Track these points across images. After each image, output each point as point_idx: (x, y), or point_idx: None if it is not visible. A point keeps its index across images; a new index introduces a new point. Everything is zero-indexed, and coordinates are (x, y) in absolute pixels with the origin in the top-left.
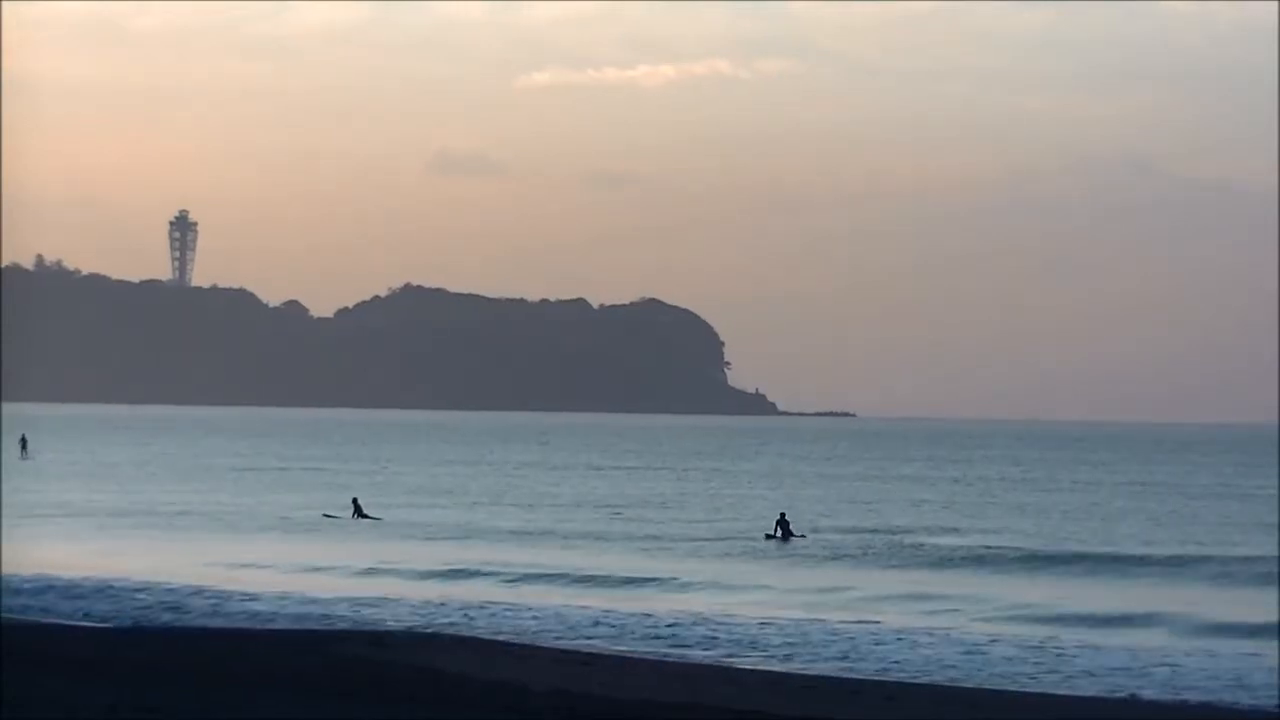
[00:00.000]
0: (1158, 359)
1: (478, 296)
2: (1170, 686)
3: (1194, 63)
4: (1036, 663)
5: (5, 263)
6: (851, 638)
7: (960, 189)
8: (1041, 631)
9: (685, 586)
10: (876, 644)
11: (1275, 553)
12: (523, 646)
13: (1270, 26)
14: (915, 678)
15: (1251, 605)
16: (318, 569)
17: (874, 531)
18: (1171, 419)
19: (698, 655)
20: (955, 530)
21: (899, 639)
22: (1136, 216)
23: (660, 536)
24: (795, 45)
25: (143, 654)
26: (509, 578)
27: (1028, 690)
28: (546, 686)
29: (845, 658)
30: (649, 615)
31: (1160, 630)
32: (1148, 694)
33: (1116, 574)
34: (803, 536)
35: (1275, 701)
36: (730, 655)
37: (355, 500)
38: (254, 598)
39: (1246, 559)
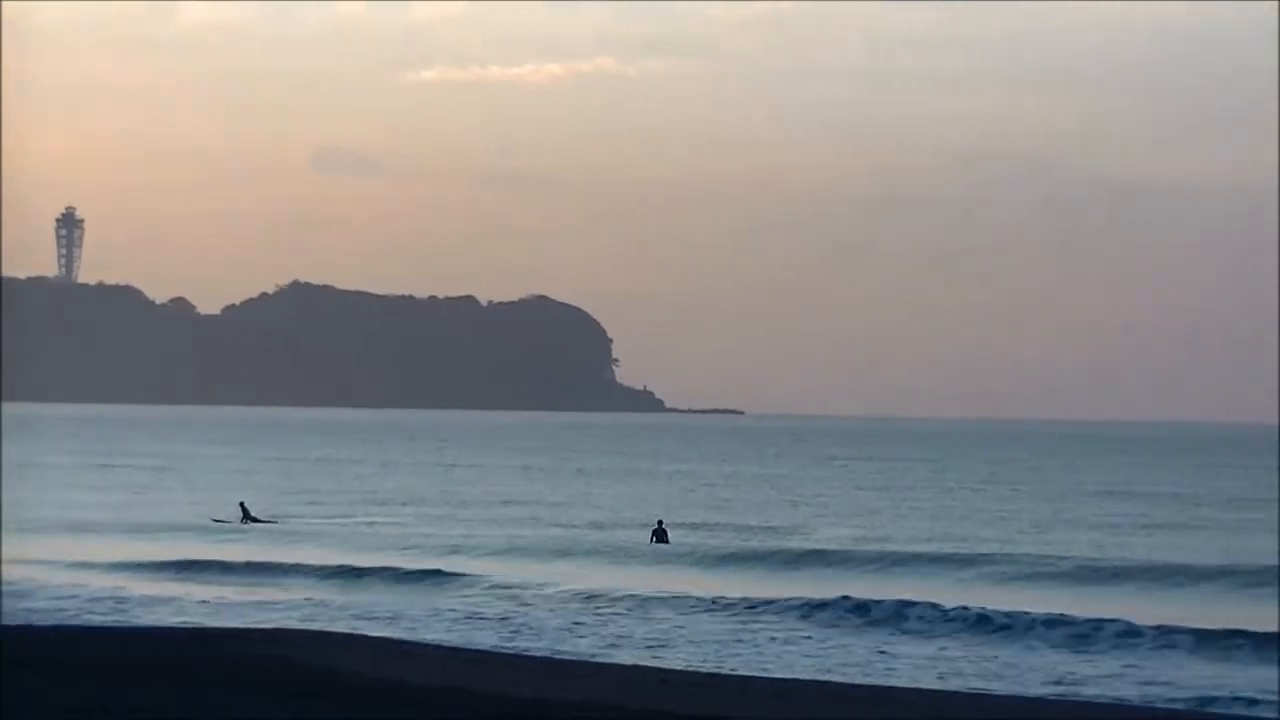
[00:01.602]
0: (1046, 356)
1: (366, 294)
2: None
3: (1075, 61)
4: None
5: None
6: (741, 640)
7: (845, 187)
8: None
9: (568, 587)
10: (752, 643)
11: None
12: (414, 644)
13: (1146, 24)
14: (797, 674)
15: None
16: (203, 570)
17: (747, 528)
18: (1064, 417)
19: (585, 653)
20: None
21: (773, 639)
22: (1021, 214)
23: (549, 538)
24: (681, 43)
25: (40, 652)
26: (396, 578)
27: (913, 687)
28: (439, 683)
29: (737, 656)
30: (531, 614)
31: (1020, 629)
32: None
33: (958, 572)
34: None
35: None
36: (610, 648)
37: (243, 504)
38: (142, 602)
39: (1044, 558)
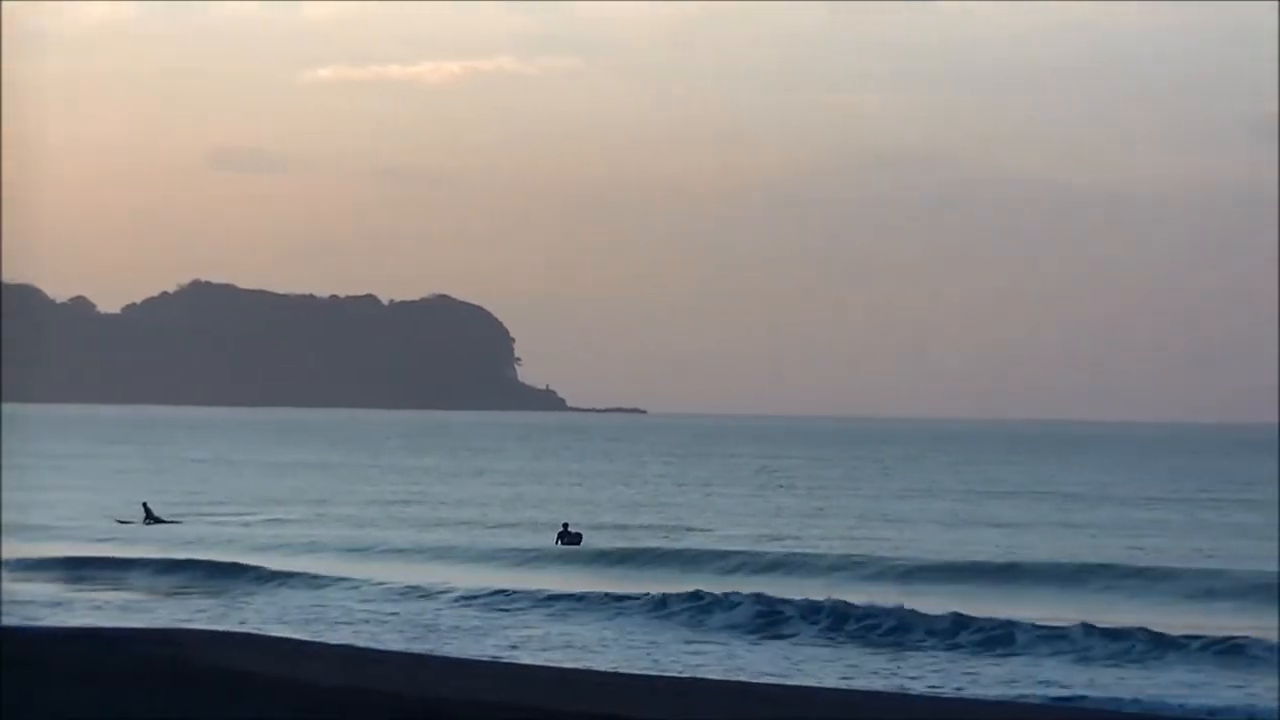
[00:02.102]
0: (955, 353)
1: (267, 293)
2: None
3: (980, 60)
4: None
5: None
6: (642, 639)
7: (746, 186)
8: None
9: (472, 587)
10: (655, 643)
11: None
12: (312, 644)
13: (1047, 24)
14: (700, 674)
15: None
16: (103, 569)
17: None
18: (971, 416)
19: (487, 653)
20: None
21: (677, 638)
22: (928, 212)
23: (451, 538)
24: (581, 42)
25: None
26: (297, 578)
27: (815, 686)
28: (338, 683)
29: (640, 655)
30: (434, 614)
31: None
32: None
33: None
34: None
35: None
36: (512, 648)
37: (145, 505)
38: (40, 602)
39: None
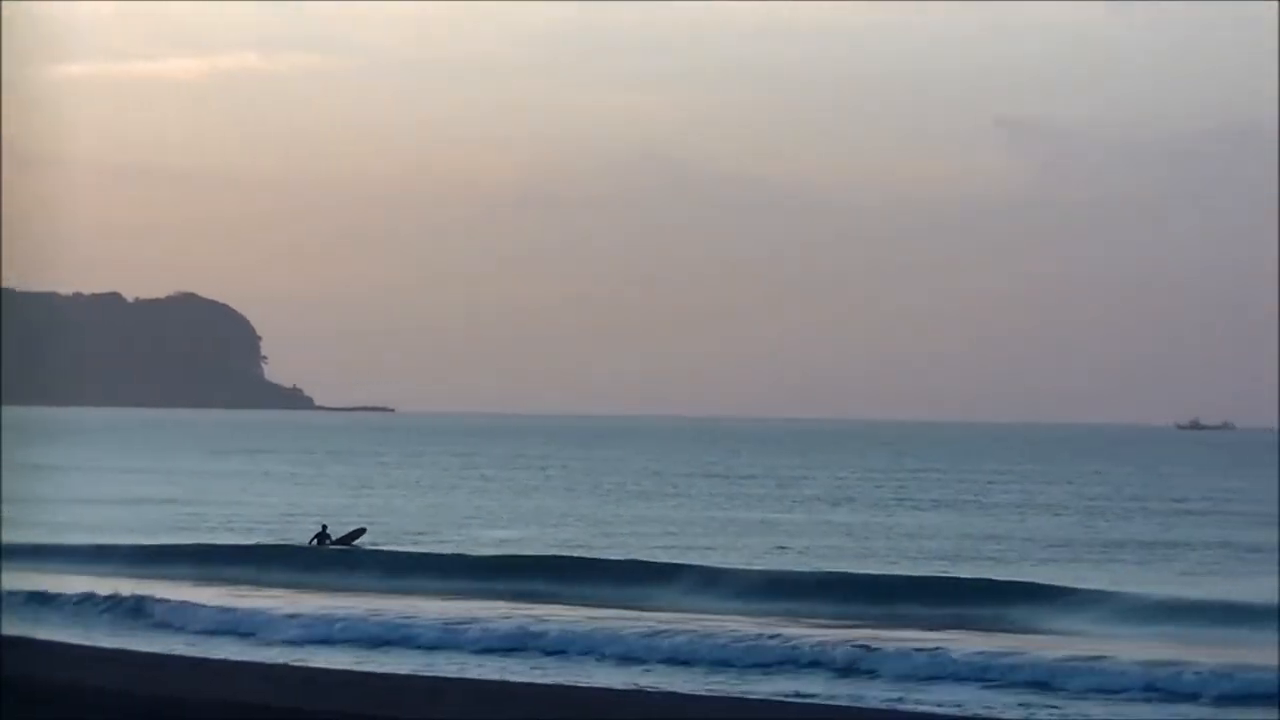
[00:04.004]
0: (709, 352)
1: (8, 290)
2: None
3: (720, 61)
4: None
5: None
6: (392, 640)
7: (497, 185)
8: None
9: (221, 588)
10: (404, 643)
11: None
12: (84, 648)
13: (791, 26)
14: (445, 673)
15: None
16: None
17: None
18: (735, 414)
19: (232, 654)
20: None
21: (427, 640)
22: (665, 212)
23: (200, 539)
24: (328, 40)
25: None
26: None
27: (556, 684)
28: (114, 687)
29: (387, 655)
30: (180, 614)
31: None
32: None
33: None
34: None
35: None
36: (261, 647)
37: None
38: None
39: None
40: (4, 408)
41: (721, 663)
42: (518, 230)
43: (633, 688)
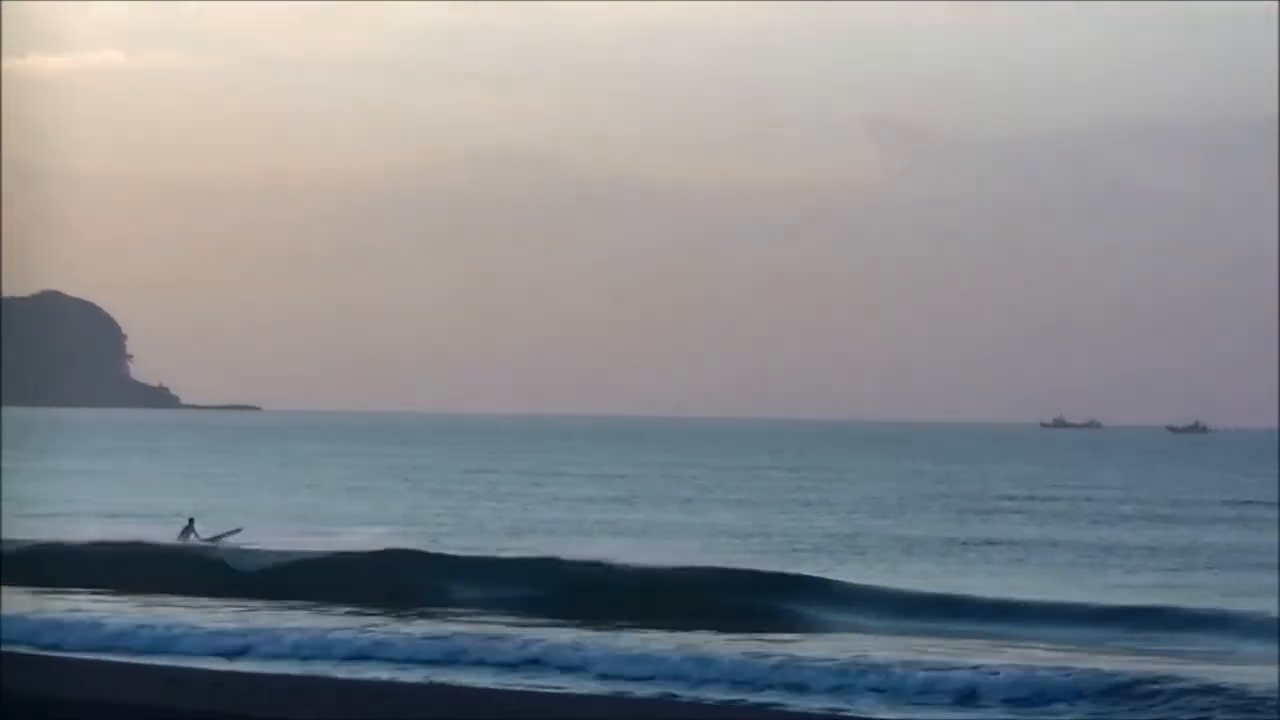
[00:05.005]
0: (564, 352)
1: None
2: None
3: (586, 61)
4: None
5: None
6: (254, 639)
7: (360, 183)
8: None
9: (90, 587)
10: (272, 642)
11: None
12: None
13: (665, 27)
14: (314, 671)
15: None
16: None
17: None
18: (578, 411)
19: (83, 655)
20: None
21: (292, 638)
22: (526, 211)
23: (73, 537)
24: (190, 37)
25: None
26: None
27: (454, 684)
28: None
29: (251, 654)
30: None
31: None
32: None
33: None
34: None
35: None
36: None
37: None
38: None
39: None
40: None
41: (527, 662)
42: (383, 228)
43: (503, 688)
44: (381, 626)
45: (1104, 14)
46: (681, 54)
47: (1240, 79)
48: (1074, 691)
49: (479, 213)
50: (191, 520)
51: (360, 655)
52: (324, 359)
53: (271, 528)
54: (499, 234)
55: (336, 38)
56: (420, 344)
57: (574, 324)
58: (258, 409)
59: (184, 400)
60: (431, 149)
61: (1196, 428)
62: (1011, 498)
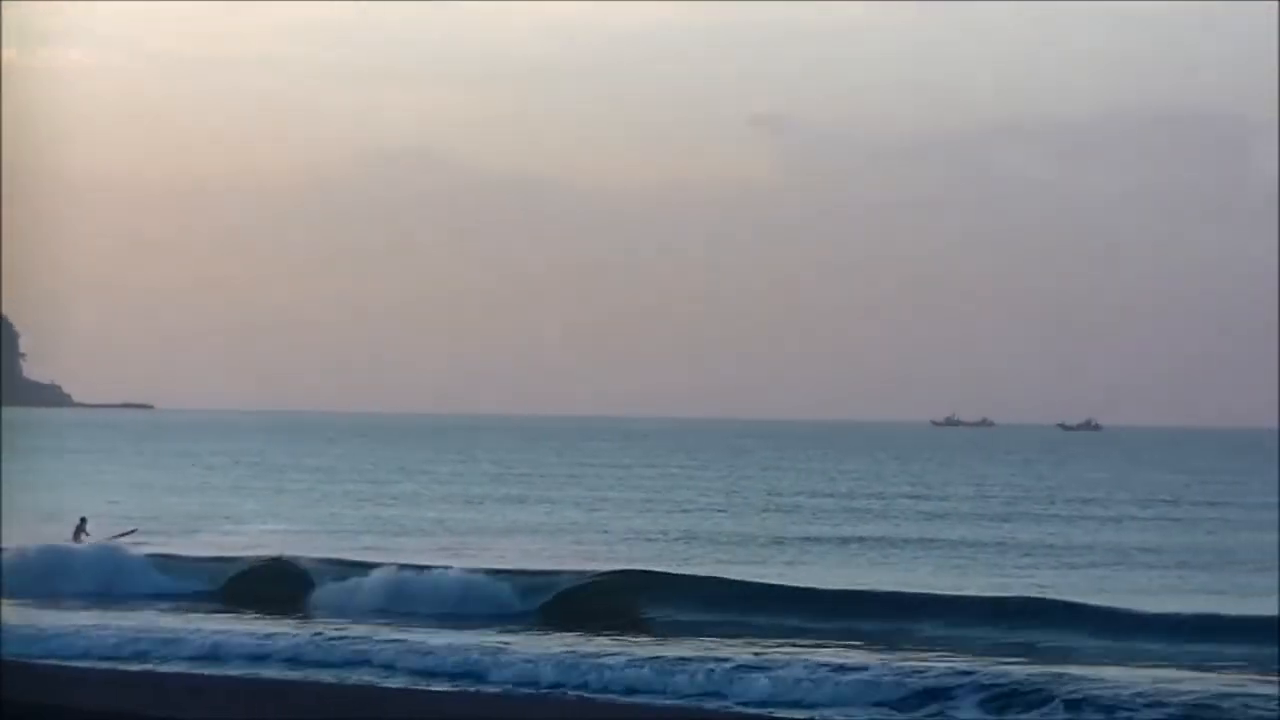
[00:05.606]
0: (453, 353)
1: None
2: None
3: (484, 59)
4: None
5: None
6: (142, 639)
7: (262, 180)
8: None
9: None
10: (174, 643)
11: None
12: None
13: (547, 23)
14: (209, 670)
15: None
16: None
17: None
18: (454, 410)
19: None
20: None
21: (190, 637)
22: (430, 209)
23: None
24: (91, 36)
25: None
26: None
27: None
28: None
29: (145, 653)
30: None
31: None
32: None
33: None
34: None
35: None
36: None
37: None
38: None
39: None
40: None
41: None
42: (284, 229)
43: (399, 688)
44: (269, 630)
45: (997, 15)
46: (585, 52)
47: (1124, 78)
48: (961, 691)
49: (379, 211)
50: (83, 520)
51: (252, 656)
52: (217, 357)
53: (167, 528)
54: (397, 233)
55: (242, 36)
56: (314, 343)
57: (466, 322)
58: (151, 407)
59: (76, 399)
60: (341, 148)
61: (1089, 425)
62: (881, 496)
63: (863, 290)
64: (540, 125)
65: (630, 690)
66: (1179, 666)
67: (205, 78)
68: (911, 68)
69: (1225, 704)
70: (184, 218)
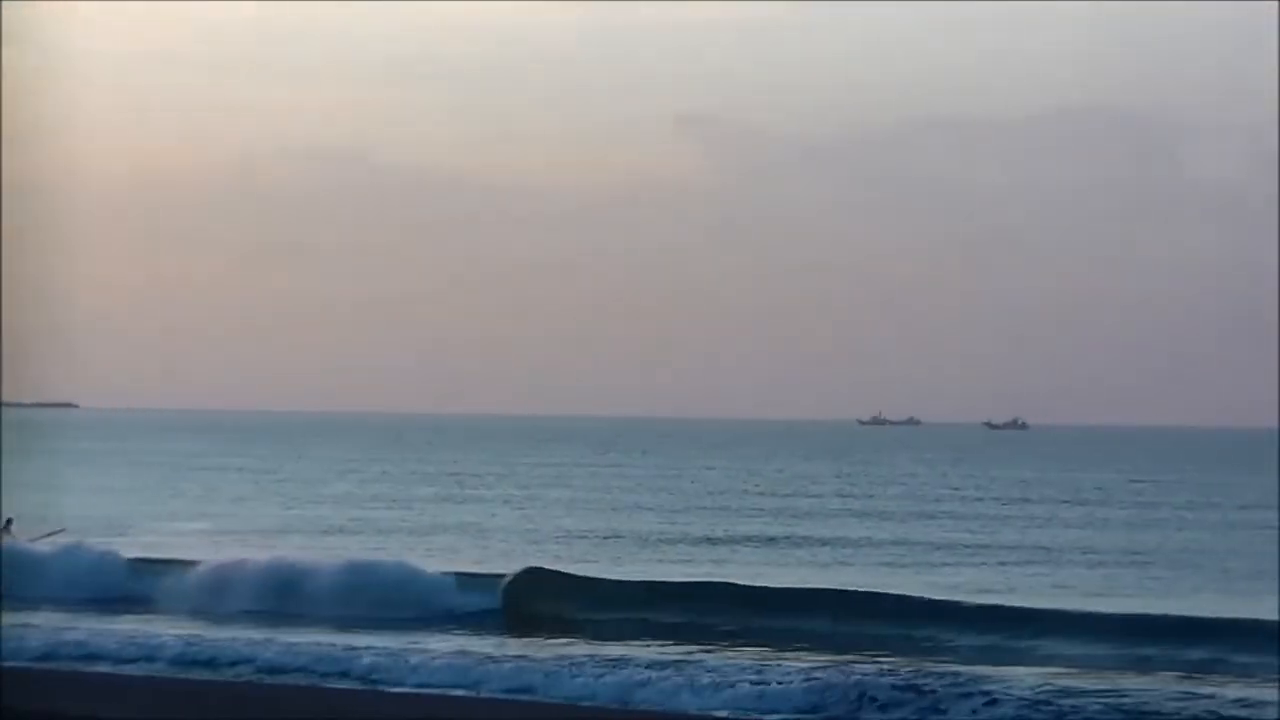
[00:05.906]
0: (382, 351)
1: None
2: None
3: (411, 59)
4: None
5: None
6: (71, 635)
7: (183, 181)
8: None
9: None
10: (95, 640)
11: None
12: None
13: (483, 24)
14: (129, 670)
15: None
16: None
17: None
18: (397, 409)
19: None
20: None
21: (114, 636)
22: (346, 207)
23: None
24: (5, 34)
25: None
26: None
27: (253, 681)
28: None
29: (72, 651)
30: None
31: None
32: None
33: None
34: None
35: None
36: None
37: None
38: None
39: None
40: None
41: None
42: (203, 226)
43: (323, 687)
44: (196, 630)
45: (922, 13)
46: (511, 51)
47: (1058, 74)
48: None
49: (293, 209)
50: (9, 521)
51: (176, 659)
52: (141, 355)
53: (94, 528)
54: (316, 230)
55: (152, 33)
56: (235, 339)
57: (390, 320)
58: (75, 406)
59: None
60: (257, 147)
61: (1015, 424)
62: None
63: (790, 289)
64: (469, 125)
65: (525, 689)
66: (1096, 668)
67: (114, 76)
68: (843, 65)
69: (1126, 701)
70: (98, 212)
